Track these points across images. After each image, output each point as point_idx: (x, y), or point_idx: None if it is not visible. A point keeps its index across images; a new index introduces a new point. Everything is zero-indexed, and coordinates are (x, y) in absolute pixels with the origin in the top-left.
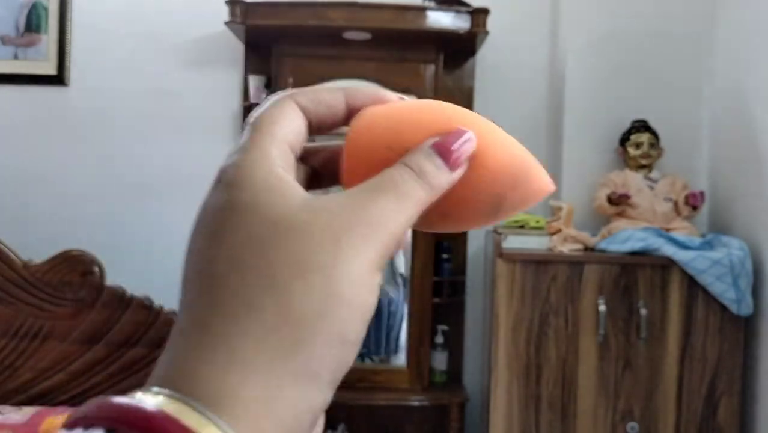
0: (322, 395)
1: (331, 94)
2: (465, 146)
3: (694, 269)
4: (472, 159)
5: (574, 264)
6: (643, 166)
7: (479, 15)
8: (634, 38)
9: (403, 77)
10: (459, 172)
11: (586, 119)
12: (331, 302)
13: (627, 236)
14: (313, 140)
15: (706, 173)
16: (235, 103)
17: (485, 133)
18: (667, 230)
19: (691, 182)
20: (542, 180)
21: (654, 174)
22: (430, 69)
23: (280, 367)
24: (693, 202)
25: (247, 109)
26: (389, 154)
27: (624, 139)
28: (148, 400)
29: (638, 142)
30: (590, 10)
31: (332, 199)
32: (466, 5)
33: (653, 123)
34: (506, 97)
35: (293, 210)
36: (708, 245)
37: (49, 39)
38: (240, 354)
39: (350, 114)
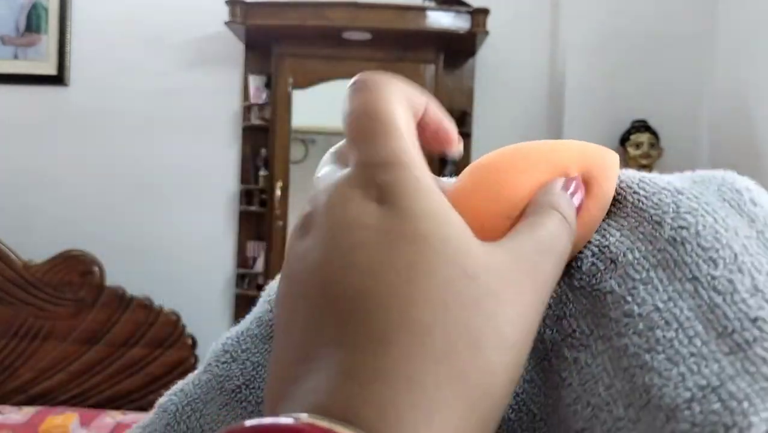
0: None
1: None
2: (579, 194)
3: None
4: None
5: None
6: (643, 166)
7: (479, 15)
8: (634, 38)
9: (403, 77)
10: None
11: (586, 119)
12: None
13: None
14: None
15: None
16: (235, 103)
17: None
18: None
19: None
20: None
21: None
22: (430, 69)
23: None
24: None
25: (247, 109)
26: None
27: (624, 139)
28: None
29: (638, 142)
30: (590, 10)
31: (507, 254)
32: (466, 5)
33: (653, 123)
34: (506, 97)
35: (482, 262)
36: None
37: (49, 39)
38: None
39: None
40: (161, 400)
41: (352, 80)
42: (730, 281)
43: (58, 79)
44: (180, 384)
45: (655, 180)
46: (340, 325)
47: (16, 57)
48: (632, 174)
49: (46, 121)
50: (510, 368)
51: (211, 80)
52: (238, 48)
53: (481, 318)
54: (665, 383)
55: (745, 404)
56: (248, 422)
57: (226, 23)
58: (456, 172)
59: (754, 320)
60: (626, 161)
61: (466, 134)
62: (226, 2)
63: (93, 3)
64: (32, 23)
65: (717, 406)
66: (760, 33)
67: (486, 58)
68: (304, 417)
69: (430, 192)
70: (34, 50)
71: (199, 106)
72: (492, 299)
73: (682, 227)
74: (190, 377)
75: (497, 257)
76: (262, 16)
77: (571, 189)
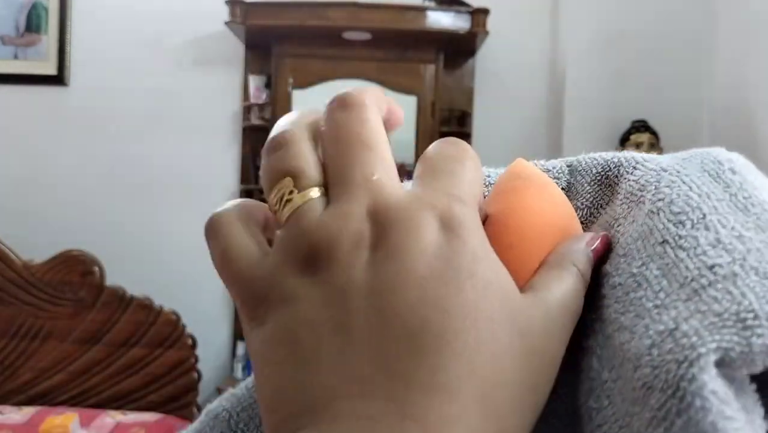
0: None
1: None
2: (601, 249)
3: None
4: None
5: None
6: None
7: (479, 15)
8: (635, 38)
9: (403, 77)
10: None
11: (586, 119)
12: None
13: None
14: None
15: None
16: (235, 103)
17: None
18: None
19: None
20: None
21: None
22: (430, 69)
23: None
24: None
25: (247, 109)
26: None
27: (624, 140)
28: None
29: (638, 142)
30: (590, 11)
31: (544, 311)
32: (466, 5)
33: (653, 123)
34: (506, 97)
35: (527, 318)
36: None
37: (49, 39)
38: None
39: None
40: (210, 406)
41: (447, 143)
42: (695, 238)
43: (58, 79)
44: (230, 391)
45: (647, 163)
46: (406, 359)
47: (16, 57)
48: (628, 160)
49: (46, 121)
50: (533, 421)
51: (211, 80)
52: (238, 48)
53: (525, 379)
54: (632, 336)
55: (695, 339)
56: None
57: (226, 23)
58: None
59: (711, 267)
60: None
61: (466, 134)
62: (226, 2)
63: (93, 3)
64: (32, 23)
65: (671, 345)
66: (760, 33)
67: (486, 58)
68: None
69: (485, 237)
70: (34, 50)
71: (199, 106)
72: (534, 359)
73: (659, 199)
74: (243, 383)
75: (537, 312)
76: (262, 16)
77: (596, 245)
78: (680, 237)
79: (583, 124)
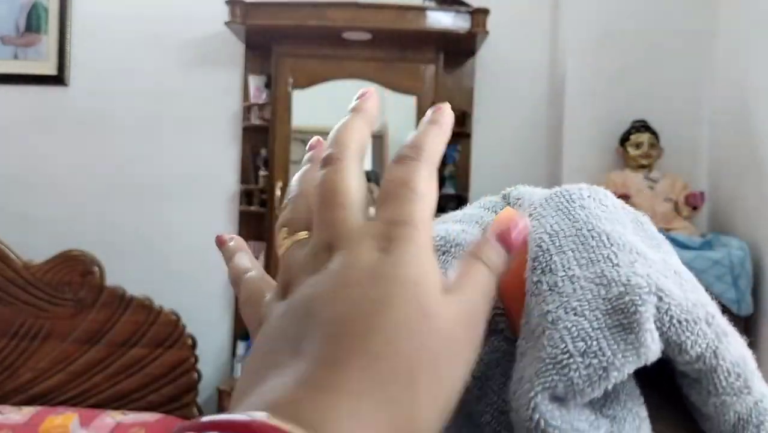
0: None
1: None
2: (522, 233)
3: (694, 269)
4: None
5: None
6: (643, 166)
7: (479, 15)
8: (635, 38)
9: (403, 77)
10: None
11: (586, 119)
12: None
13: None
14: None
15: (706, 173)
16: (235, 103)
17: None
18: (667, 230)
19: (691, 182)
20: None
21: (654, 174)
22: (430, 69)
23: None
24: (693, 202)
25: (247, 109)
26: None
27: (624, 140)
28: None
29: (638, 142)
30: (590, 10)
31: (453, 304)
32: (466, 5)
33: (653, 123)
34: (506, 97)
35: (439, 305)
36: (708, 245)
37: (49, 39)
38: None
39: None
40: None
41: (403, 151)
42: (540, 283)
43: (58, 79)
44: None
45: (520, 202)
46: (314, 342)
47: (16, 57)
48: (513, 198)
49: (46, 121)
50: (439, 404)
51: (211, 80)
52: (238, 48)
53: (425, 355)
54: (513, 387)
55: (528, 385)
56: (204, 418)
57: (226, 23)
58: (456, 172)
59: (545, 314)
60: (626, 161)
61: (466, 134)
62: (226, 2)
63: (93, 3)
64: (32, 23)
65: (520, 391)
66: (760, 33)
67: (486, 58)
68: (259, 415)
69: (423, 247)
70: (34, 50)
71: (199, 106)
72: (440, 348)
73: (528, 249)
74: None
75: (450, 308)
76: (262, 16)
77: (514, 235)
78: (533, 283)
79: (583, 124)
